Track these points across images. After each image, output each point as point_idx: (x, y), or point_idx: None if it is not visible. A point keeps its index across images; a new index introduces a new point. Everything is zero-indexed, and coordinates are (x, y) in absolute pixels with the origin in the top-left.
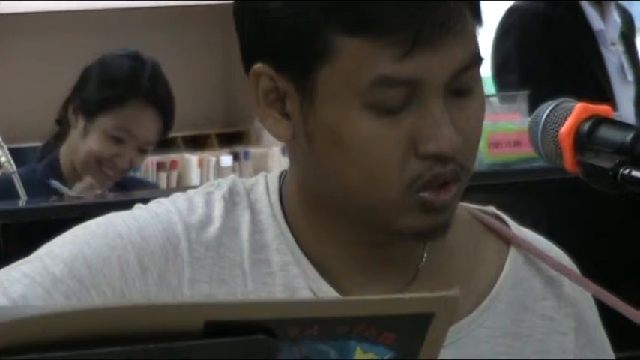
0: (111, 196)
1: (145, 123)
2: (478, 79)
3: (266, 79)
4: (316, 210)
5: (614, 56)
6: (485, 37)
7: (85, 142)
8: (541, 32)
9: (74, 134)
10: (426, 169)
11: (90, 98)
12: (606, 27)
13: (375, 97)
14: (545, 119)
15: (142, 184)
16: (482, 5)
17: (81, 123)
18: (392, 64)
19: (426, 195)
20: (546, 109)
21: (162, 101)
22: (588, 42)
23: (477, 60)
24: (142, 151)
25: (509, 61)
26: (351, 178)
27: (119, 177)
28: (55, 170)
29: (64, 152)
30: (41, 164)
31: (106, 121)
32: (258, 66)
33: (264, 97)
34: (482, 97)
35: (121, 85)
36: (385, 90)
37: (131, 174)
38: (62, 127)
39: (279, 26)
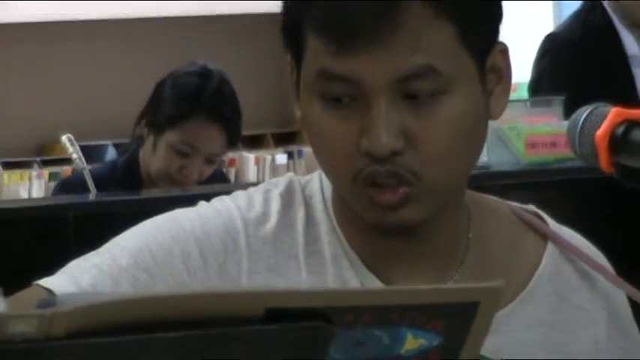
0: (175, 192)
1: (208, 137)
2: (444, 89)
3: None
4: (342, 202)
5: None
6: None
7: (155, 155)
8: (572, 58)
9: (147, 145)
10: (365, 165)
11: (158, 116)
12: None
13: (320, 88)
14: (583, 122)
15: (215, 175)
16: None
17: (151, 137)
18: (330, 59)
19: (369, 191)
20: (583, 113)
21: (225, 117)
22: (621, 66)
23: (427, 71)
24: (210, 162)
25: (542, 83)
26: (321, 166)
27: (191, 185)
28: (133, 172)
29: (142, 157)
30: (121, 162)
31: (172, 136)
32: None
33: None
34: (455, 110)
35: (185, 102)
36: (327, 83)
37: None
38: (139, 135)
39: (283, 22)
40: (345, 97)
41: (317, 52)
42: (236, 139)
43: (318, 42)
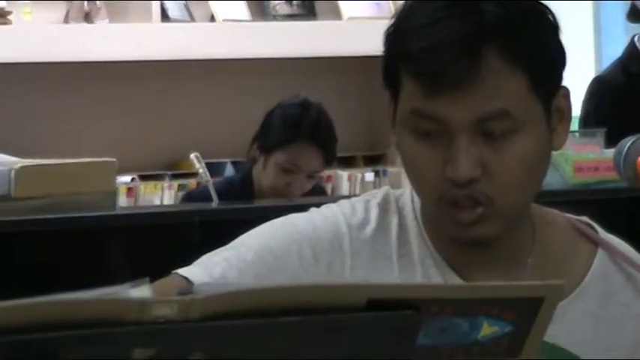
0: (283, 202)
1: (309, 158)
2: (516, 129)
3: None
4: (428, 213)
5: None
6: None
7: (265, 173)
8: (615, 99)
9: (259, 164)
10: (448, 188)
11: (267, 140)
12: None
13: (412, 123)
14: (627, 150)
15: (313, 187)
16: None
17: (262, 158)
18: (422, 101)
19: (450, 210)
20: (627, 142)
21: (322, 141)
22: None
23: (502, 114)
24: (310, 178)
25: (589, 121)
26: (412, 186)
27: (295, 197)
28: (248, 186)
29: (255, 174)
30: (238, 178)
31: (278, 157)
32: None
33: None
34: (525, 146)
35: (289, 129)
36: (419, 119)
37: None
38: (253, 155)
39: (383, 66)
40: (433, 132)
41: (411, 94)
42: (332, 159)
43: (412, 85)
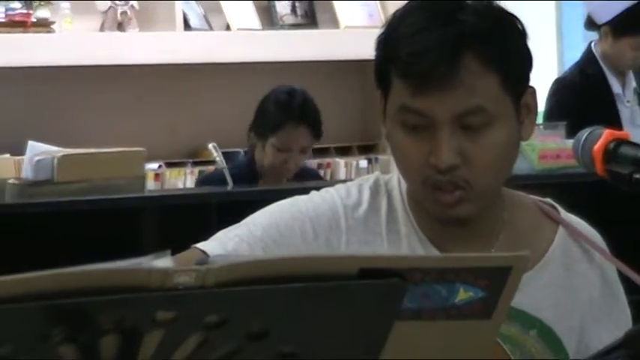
0: (287, 186)
1: (299, 136)
2: (490, 123)
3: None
4: (413, 196)
5: (627, 110)
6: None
7: (264, 154)
8: (573, 97)
9: (259, 148)
10: (432, 174)
11: (262, 126)
12: (624, 90)
13: (400, 118)
14: (584, 140)
15: (310, 173)
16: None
17: (260, 142)
18: (409, 98)
19: (434, 193)
20: (585, 133)
21: (309, 119)
22: (609, 102)
23: (478, 110)
24: (303, 152)
25: (552, 115)
26: (400, 172)
27: (291, 174)
28: (252, 168)
29: (257, 156)
30: (244, 162)
31: (273, 140)
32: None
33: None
34: (498, 137)
35: (280, 113)
36: (406, 114)
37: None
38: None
39: (375, 67)
40: (419, 125)
41: (399, 92)
42: (319, 134)
43: (400, 85)
